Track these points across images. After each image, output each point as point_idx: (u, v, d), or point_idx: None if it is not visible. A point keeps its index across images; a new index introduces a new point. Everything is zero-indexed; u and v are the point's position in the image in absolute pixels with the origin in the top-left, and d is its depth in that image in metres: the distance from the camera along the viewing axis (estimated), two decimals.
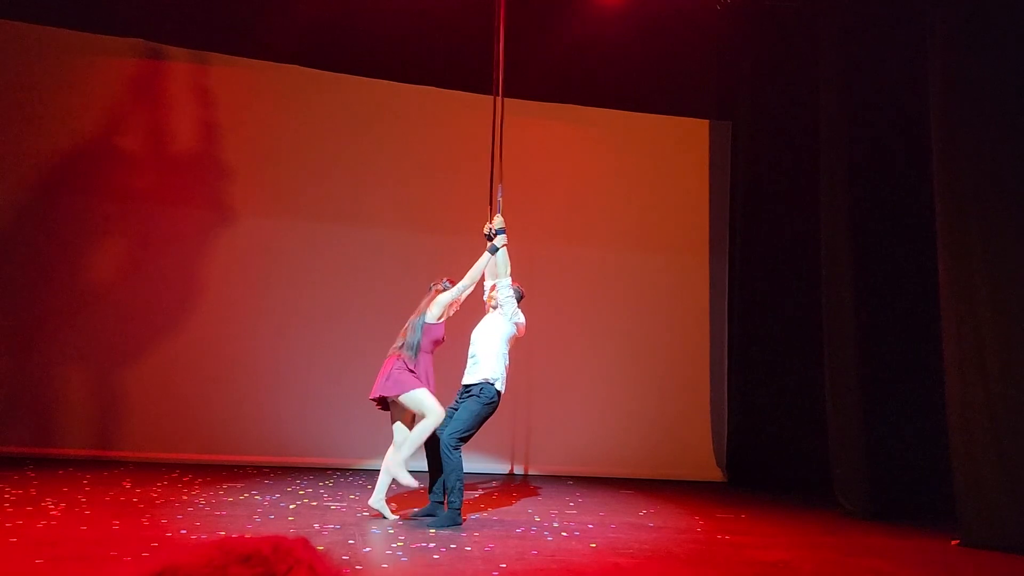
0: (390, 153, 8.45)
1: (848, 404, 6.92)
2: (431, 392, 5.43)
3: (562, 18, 8.52)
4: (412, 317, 5.63)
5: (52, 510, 4.94)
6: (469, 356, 5.64)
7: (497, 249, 5.66)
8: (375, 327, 8.25)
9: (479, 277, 5.70)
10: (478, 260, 5.67)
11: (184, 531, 4.55)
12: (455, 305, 5.72)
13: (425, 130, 8.48)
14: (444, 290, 5.66)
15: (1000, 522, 5.35)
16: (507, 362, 5.60)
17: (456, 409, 5.49)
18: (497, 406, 5.52)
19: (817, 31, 7.70)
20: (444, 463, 5.30)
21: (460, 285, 5.64)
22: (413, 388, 5.36)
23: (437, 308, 5.57)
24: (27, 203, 7.55)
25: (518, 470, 8.38)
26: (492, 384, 5.44)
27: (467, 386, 5.53)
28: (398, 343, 5.57)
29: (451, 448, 5.28)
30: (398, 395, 5.39)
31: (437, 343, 5.63)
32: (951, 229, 5.82)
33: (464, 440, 5.39)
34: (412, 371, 5.41)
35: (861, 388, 6.82)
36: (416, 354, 5.47)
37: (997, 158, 5.61)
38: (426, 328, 5.55)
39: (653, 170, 9.21)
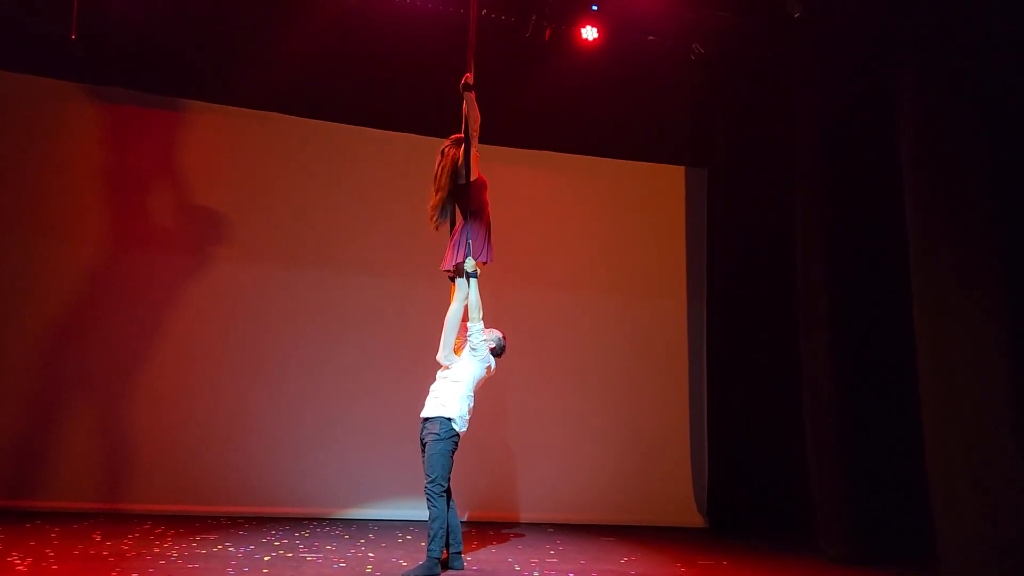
0: (375, 200, 8.43)
1: (828, 449, 6.92)
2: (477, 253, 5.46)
3: (538, 65, 8.65)
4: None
5: (19, 565, 4.79)
6: (431, 388, 5.48)
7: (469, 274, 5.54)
8: (353, 374, 8.21)
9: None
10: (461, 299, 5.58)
11: None
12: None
13: (408, 176, 8.41)
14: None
15: (982, 566, 5.33)
16: (471, 404, 5.47)
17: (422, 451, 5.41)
18: (459, 440, 5.41)
19: (790, 79, 7.89)
20: (428, 509, 5.19)
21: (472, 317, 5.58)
22: (443, 267, 5.64)
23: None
24: (7, 250, 7.51)
25: (497, 518, 8.26)
26: (449, 420, 5.33)
27: (426, 419, 5.40)
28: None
29: (437, 496, 5.18)
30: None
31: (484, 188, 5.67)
32: (925, 271, 5.90)
33: (446, 481, 5.28)
34: (456, 246, 5.55)
35: (841, 432, 6.83)
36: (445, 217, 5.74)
37: (967, 198, 5.72)
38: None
39: (630, 216, 9.29)
